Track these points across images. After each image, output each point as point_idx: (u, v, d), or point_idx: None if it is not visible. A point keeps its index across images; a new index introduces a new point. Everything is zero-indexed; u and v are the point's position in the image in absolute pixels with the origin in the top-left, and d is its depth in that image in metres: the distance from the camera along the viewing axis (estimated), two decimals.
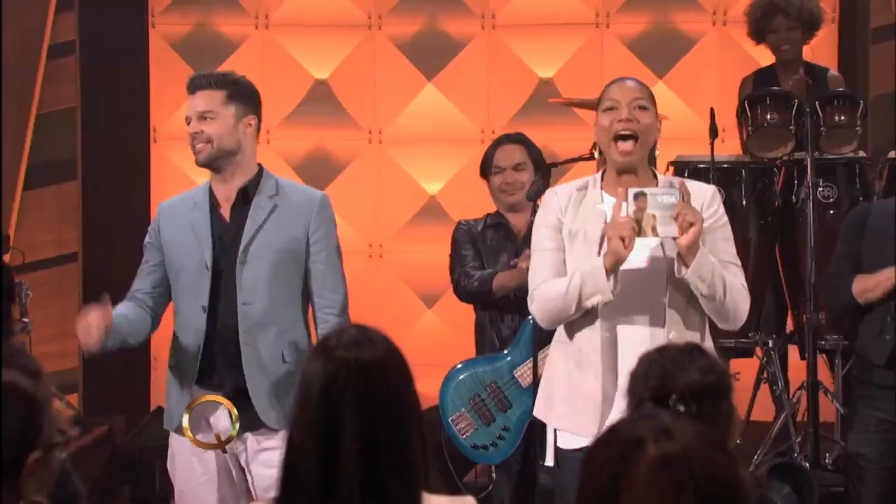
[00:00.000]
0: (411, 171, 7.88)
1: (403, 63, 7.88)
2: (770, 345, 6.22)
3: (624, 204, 3.83)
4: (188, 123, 4.44)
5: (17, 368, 2.31)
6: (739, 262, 4.06)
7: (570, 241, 4.00)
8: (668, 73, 7.74)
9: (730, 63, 7.58)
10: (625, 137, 3.97)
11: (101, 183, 7.68)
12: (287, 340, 4.34)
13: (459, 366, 5.46)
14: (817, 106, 6.09)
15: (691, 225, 3.79)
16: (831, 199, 6.15)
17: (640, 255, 3.92)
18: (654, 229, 3.82)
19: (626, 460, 1.92)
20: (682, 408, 2.75)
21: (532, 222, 5.16)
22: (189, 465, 4.33)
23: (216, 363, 4.32)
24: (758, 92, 6.37)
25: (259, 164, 4.49)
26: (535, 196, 5.28)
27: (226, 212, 4.42)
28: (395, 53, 7.89)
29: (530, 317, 5.23)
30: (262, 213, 4.38)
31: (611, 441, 1.97)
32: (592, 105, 6.12)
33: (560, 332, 4.07)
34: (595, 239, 3.96)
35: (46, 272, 7.61)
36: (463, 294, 5.50)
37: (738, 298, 3.96)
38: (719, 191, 4.18)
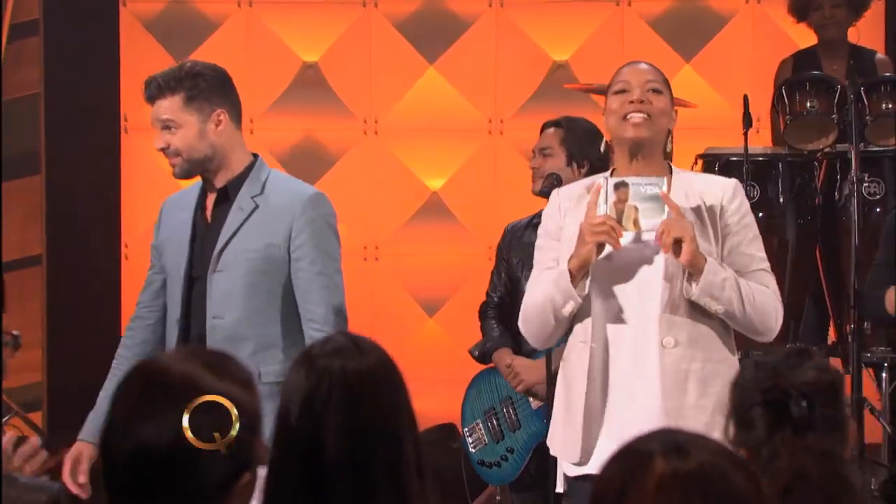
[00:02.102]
0: (410, 164, 7.87)
1: (402, 44, 7.87)
2: None
3: (602, 195, 3.85)
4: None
5: (231, 379, 2.27)
6: (768, 265, 4.04)
7: (570, 243, 3.98)
8: (696, 56, 7.73)
9: (765, 44, 7.57)
10: (635, 117, 3.99)
11: (67, 177, 7.67)
12: (267, 358, 4.25)
13: (485, 371, 5.50)
14: (862, 93, 6.09)
15: (679, 242, 3.79)
16: (877, 196, 6.15)
17: (631, 252, 3.93)
18: (635, 222, 3.84)
19: (634, 475, 1.95)
20: (804, 405, 2.73)
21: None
22: None
23: None
24: (797, 77, 6.37)
25: (254, 155, 4.42)
26: (548, 193, 5.27)
27: (210, 214, 4.39)
28: (392, 34, 7.88)
29: None
30: (241, 216, 4.31)
31: (622, 455, 2.01)
32: None
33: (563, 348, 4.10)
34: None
35: (7, 276, 7.59)
36: (480, 321, 5.60)
37: (766, 310, 3.94)
38: (752, 187, 4.17)
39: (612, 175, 4.06)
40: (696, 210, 3.97)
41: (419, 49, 7.87)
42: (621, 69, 4.15)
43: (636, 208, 3.83)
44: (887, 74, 6.43)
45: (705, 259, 3.84)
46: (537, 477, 5.37)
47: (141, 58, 7.72)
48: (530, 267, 5.43)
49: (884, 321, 4.92)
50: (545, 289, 3.96)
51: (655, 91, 4.04)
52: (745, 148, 6.02)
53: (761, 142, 6.52)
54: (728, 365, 3.96)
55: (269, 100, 7.85)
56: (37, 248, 7.73)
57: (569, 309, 3.92)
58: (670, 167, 4.08)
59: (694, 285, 3.85)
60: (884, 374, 6.09)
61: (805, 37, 6.93)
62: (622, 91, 4.05)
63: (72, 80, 7.64)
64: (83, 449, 4.40)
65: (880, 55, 6.80)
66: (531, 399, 5.39)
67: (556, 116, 5.69)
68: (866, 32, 7.11)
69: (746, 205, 4.06)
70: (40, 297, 7.67)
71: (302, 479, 2.49)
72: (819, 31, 6.66)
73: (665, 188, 3.87)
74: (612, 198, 3.85)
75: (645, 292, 3.94)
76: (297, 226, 4.30)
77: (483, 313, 5.60)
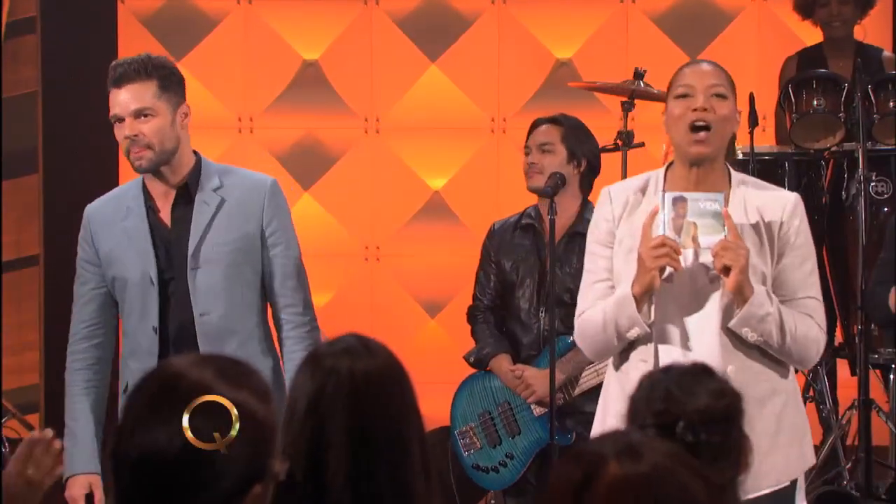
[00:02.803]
0: (412, 163, 7.87)
1: (403, 42, 7.86)
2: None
3: (660, 214, 3.79)
4: (117, 123, 4.30)
5: (248, 389, 2.25)
6: (817, 290, 3.97)
7: (626, 255, 3.93)
8: (701, 53, 7.71)
9: (771, 42, 7.56)
10: (699, 128, 3.89)
11: (65, 176, 7.66)
12: (252, 349, 4.28)
13: (478, 374, 5.49)
14: (870, 91, 6.09)
15: (728, 268, 3.74)
16: (885, 195, 6.15)
17: (689, 270, 3.86)
18: (694, 239, 3.78)
19: (587, 478, 1.95)
20: (690, 437, 2.72)
21: (552, 221, 5.19)
22: None
23: None
24: (803, 74, 6.37)
25: (195, 153, 4.38)
26: (551, 192, 5.27)
27: (165, 214, 4.33)
28: (394, 31, 7.88)
29: (570, 337, 5.26)
30: (209, 210, 4.30)
31: (576, 458, 2.00)
32: (617, 89, 6.16)
33: (612, 359, 4.03)
34: None
35: (4, 277, 7.59)
36: (470, 325, 5.58)
37: (806, 343, 3.89)
38: None
39: (665, 174, 4.01)
40: (755, 227, 3.91)
41: (421, 46, 7.86)
42: (683, 70, 4.02)
43: (695, 224, 3.78)
44: (895, 72, 6.42)
45: (752, 290, 3.78)
46: (535, 483, 5.38)
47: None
48: (525, 272, 5.44)
49: (887, 320, 4.90)
50: (608, 310, 3.88)
51: (719, 96, 3.91)
52: (752, 146, 6.01)
53: (767, 140, 6.52)
54: (784, 382, 3.93)
55: (269, 98, 7.83)
56: (34, 248, 7.72)
57: (634, 334, 3.86)
58: (730, 173, 4.00)
59: (736, 312, 3.80)
60: (891, 376, 6.10)
61: (811, 34, 6.92)
62: (685, 95, 3.93)
63: (69, 78, 7.63)
64: (85, 481, 4.33)
65: (887, 53, 6.79)
66: (533, 406, 5.38)
67: (528, 118, 5.69)
68: (873, 30, 7.10)
69: (805, 224, 3.97)
70: (37, 297, 7.66)
71: (307, 478, 2.49)
72: (825, 28, 6.65)
73: (724, 205, 3.79)
74: (671, 213, 3.79)
75: (703, 310, 3.88)
76: (268, 212, 4.33)
77: (473, 317, 5.57)
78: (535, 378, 5.32)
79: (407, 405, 2.58)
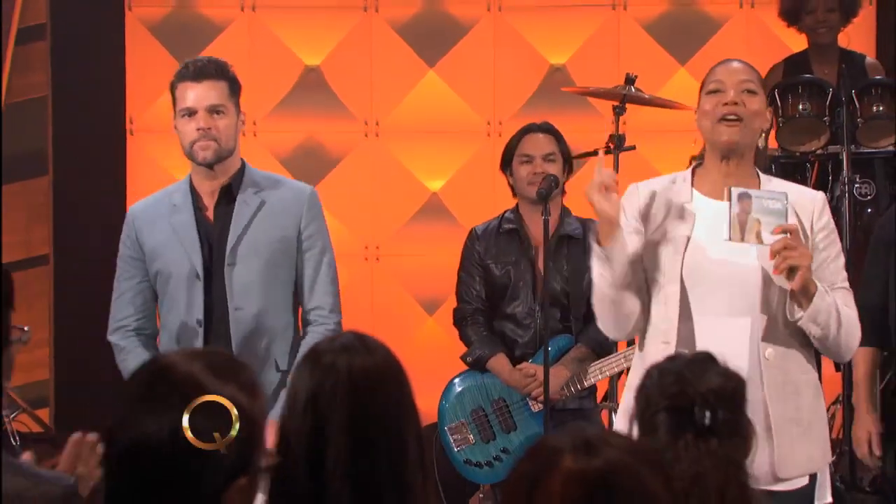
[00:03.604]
0: (411, 166, 7.87)
1: (402, 48, 7.87)
2: None
3: (597, 168, 3.83)
4: (188, 115, 4.36)
5: (236, 383, 2.26)
6: (847, 283, 3.98)
7: (654, 247, 3.92)
8: (690, 60, 7.73)
9: (758, 48, 7.56)
10: (730, 121, 3.90)
11: (74, 178, 7.67)
12: (281, 348, 4.33)
13: (467, 372, 5.50)
14: (854, 95, 6.10)
15: (794, 269, 3.72)
16: (869, 197, 6.15)
17: (728, 262, 3.85)
18: (758, 235, 3.76)
19: (542, 472, 1.93)
20: (707, 416, 2.73)
21: (546, 221, 5.21)
22: None
23: None
24: (789, 80, 6.37)
25: (241, 159, 4.47)
26: (545, 195, 5.28)
27: (210, 212, 4.40)
28: (393, 38, 7.88)
29: (566, 335, 5.28)
30: (249, 210, 4.37)
31: (533, 452, 1.99)
32: (608, 94, 6.17)
33: (638, 345, 4.02)
34: (681, 243, 3.89)
35: (14, 276, 7.59)
36: (458, 329, 5.58)
37: (852, 332, 3.90)
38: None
39: (693, 172, 4.00)
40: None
41: (419, 53, 7.87)
42: (715, 68, 4.03)
43: (759, 221, 3.76)
44: (878, 77, 6.44)
45: (816, 286, 3.78)
46: None
47: (146, 61, 7.73)
48: (518, 275, 5.45)
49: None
50: (595, 268, 3.88)
51: (749, 92, 3.93)
52: None
53: None
54: (815, 374, 3.94)
55: (272, 103, 7.84)
56: (44, 248, 7.73)
57: (608, 275, 3.82)
58: (757, 172, 3.99)
59: (799, 310, 3.78)
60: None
61: (797, 41, 6.93)
62: (716, 91, 3.94)
63: (78, 83, 7.64)
64: None
65: (870, 59, 6.80)
66: (531, 403, 5.40)
67: (549, 120, 5.69)
68: (856, 37, 7.11)
69: (832, 220, 3.99)
70: (47, 296, 7.66)
71: (306, 473, 2.48)
72: (811, 35, 6.66)
73: (788, 206, 3.78)
74: (736, 208, 3.77)
75: (738, 302, 3.86)
76: (307, 217, 4.42)
77: (461, 320, 5.57)
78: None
79: (404, 402, 2.58)
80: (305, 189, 4.49)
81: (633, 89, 6.04)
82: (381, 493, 2.50)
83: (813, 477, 3.96)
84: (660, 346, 3.88)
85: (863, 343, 4.69)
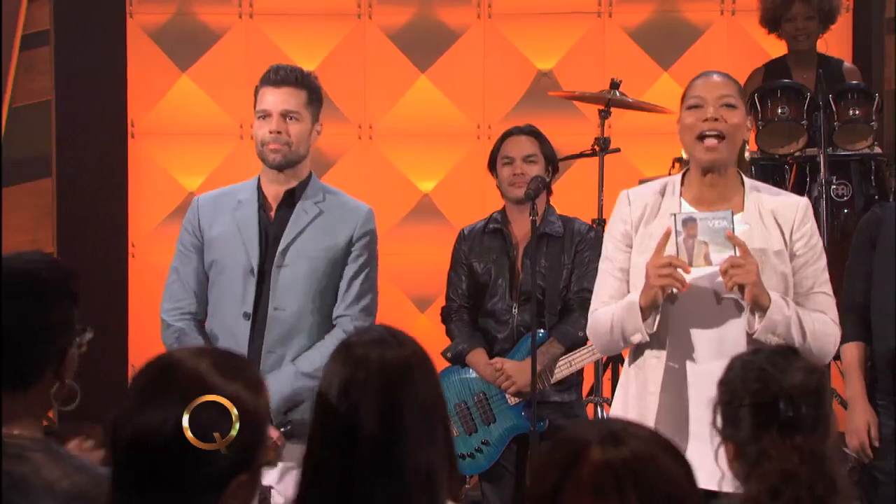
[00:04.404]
0: (403, 167, 7.89)
1: (395, 54, 7.88)
2: None
3: (672, 234, 3.76)
4: (263, 118, 4.41)
5: (241, 382, 2.26)
6: (829, 287, 3.96)
7: (641, 253, 3.91)
8: (673, 65, 7.75)
9: (739, 54, 7.59)
10: (710, 138, 3.86)
11: (77, 180, 7.68)
12: (310, 349, 4.37)
13: (452, 368, 5.53)
14: (831, 100, 6.11)
15: (740, 285, 3.70)
16: (845, 198, 6.16)
17: (704, 281, 3.82)
18: (706, 257, 3.75)
19: (570, 463, 1.93)
20: (790, 412, 2.71)
21: (534, 222, 5.23)
22: None
23: None
24: (768, 84, 6.38)
25: (310, 170, 4.54)
26: (533, 195, 5.30)
27: (273, 213, 4.45)
28: (386, 44, 7.90)
29: (541, 331, 5.30)
30: (306, 217, 4.43)
31: (560, 444, 1.98)
32: (594, 98, 6.20)
33: (630, 352, 4.01)
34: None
35: None
36: (444, 325, 5.61)
37: (825, 339, 3.88)
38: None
39: (683, 180, 3.98)
40: (770, 230, 3.89)
41: (411, 58, 7.88)
42: (695, 81, 3.98)
43: (706, 244, 3.74)
44: (854, 82, 6.46)
45: (769, 298, 3.74)
46: (510, 468, 5.43)
47: (147, 67, 7.74)
48: (498, 272, 5.47)
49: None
50: (616, 314, 3.87)
51: (729, 106, 3.88)
52: None
53: None
54: None
55: None
56: (48, 248, 7.73)
57: (637, 339, 3.84)
58: (742, 180, 3.96)
59: (756, 321, 3.76)
60: None
61: (776, 47, 6.95)
62: (696, 106, 3.89)
63: (81, 88, 7.65)
64: None
65: (847, 64, 6.82)
66: (508, 396, 5.43)
67: (536, 123, 5.71)
68: (834, 43, 7.14)
69: (815, 225, 3.95)
70: None
71: (339, 461, 2.48)
72: (790, 41, 6.67)
73: (732, 223, 3.75)
74: (682, 234, 3.75)
75: (722, 317, 3.84)
76: (358, 234, 4.49)
77: (447, 317, 5.60)
78: (514, 370, 5.37)
79: (433, 393, 2.58)
80: (363, 207, 4.58)
81: (617, 94, 6.07)
82: (408, 481, 2.50)
83: None
84: (653, 359, 3.89)
85: (851, 338, 4.73)
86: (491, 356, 5.44)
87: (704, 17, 7.85)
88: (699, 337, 3.86)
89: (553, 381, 5.38)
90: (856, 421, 4.76)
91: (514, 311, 5.43)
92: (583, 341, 5.37)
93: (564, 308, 5.44)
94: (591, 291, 4.12)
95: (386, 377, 2.53)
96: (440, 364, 5.64)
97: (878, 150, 6.28)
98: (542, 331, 5.38)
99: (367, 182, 7.89)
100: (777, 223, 3.89)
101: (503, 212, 5.60)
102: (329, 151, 7.91)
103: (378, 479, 2.47)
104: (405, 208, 7.86)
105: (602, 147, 5.94)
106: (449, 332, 5.57)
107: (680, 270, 3.76)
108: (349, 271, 4.45)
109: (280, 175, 4.45)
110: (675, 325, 3.87)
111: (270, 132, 4.40)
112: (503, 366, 5.36)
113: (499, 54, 7.86)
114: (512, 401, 5.41)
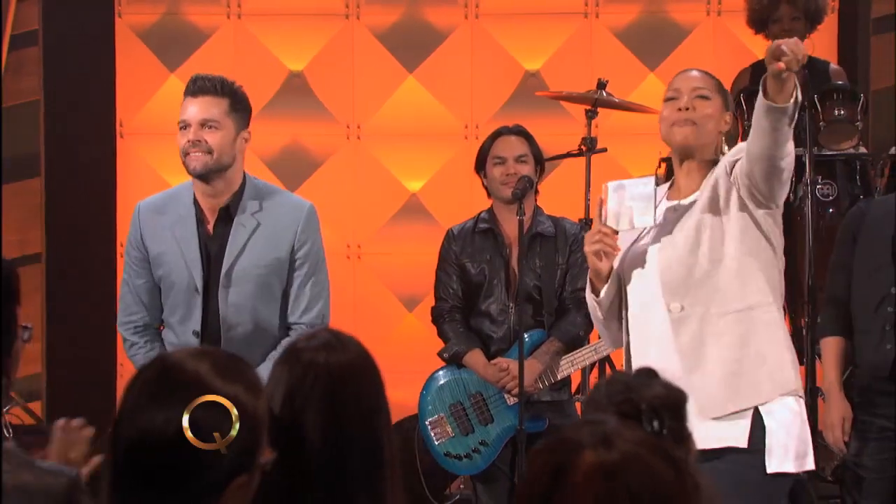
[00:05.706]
0: (391, 167, 7.87)
1: (383, 54, 7.87)
2: None
3: (601, 206, 3.94)
4: (183, 128, 4.39)
5: (241, 383, 2.25)
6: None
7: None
8: (659, 65, 7.74)
9: (725, 55, 7.58)
10: (682, 124, 4.04)
11: (66, 180, 7.66)
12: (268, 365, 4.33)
13: (446, 368, 5.50)
14: (816, 100, 6.11)
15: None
16: (830, 197, 6.16)
17: (635, 244, 4.04)
18: (631, 221, 3.91)
19: (564, 466, 1.93)
20: (654, 421, 2.75)
21: (521, 220, 5.22)
22: None
23: None
24: (755, 85, 6.35)
25: (244, 175, 4.47)
26: (520, 195, 5.29)
27: (211, 226, 4.41)
28: (374, 44, 7.88)
29: (539, 330, 5.29)
30: (245, 233, 4.37)
31: (553, 445, 1.99)
32: (581, 99, 6.18)
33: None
34: (628, 246, 4.05)
35: None
36: (436, 326, 5.58)
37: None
38: None
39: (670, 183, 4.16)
40: (714, 196, 4.00)
41: (399, 58, 7.87)
42: (674, 77, 4.18)
43: (632, 207, 3.91)
44: (838, 83, 6.45)
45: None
46: (504, 470, 5.41)
47: (135, 67, 7.72)
48: (492, 272, 5.47)
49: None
50: (588, 293, 4.11)
51: (702, 97, 4.07)
52: None
53: None
54: (753, 313, 4.09)
55: (257, 107, 7.75)
56: (37, 247, 7.72)
57: (599, 313, 4.06)
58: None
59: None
60: None
61: (763, 48, 6.92)
62: (672, 99, 4.09)
63: (70, 88, 7.63)
64: None
65: (833, 65, 6.81)
66: (506, 396, 5.41)
67: (524, 123, 5.70)
68: (820, 44, 7.13)
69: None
70: (40, 293, 7.65)
71: (282, 468, 2.46)
72: None
73: (654, 185, 3.92)
74: (613, 200, 3.92)
75: (649, 279, 4.01)
76: (301, 238, 4.41)
77: (439, 318, 5.57)
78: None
79: (378, 397, 2.57)
80: (303, 207, 4.48)
81: (604, 94, 6.05)
82: (355, 488, 2.48)
83: (757, 439, 3.95)
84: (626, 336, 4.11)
85: (831, 333, 4.75)
86: (486, 357, 5.42)
87: (691, 17, 7.85)
88: (643, 309, 4.02)
89: (556, 380, 5.37)
90: (832, 415, 4.77)
91: (511, 311, 5.41)
92: (583, 340, 5.37)
93: (560, 308, 5.43)
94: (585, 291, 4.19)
95: (332, 382, 2.53)
96: (434, 364, 5.62)
97: (863, 150, 6.28)
98: (540, 330, 5.37)
99: (354, 182, 7.88)
100: (719, 183, 4.01)
101: (491, 211, 5.58)
102: (317, 151, 7.89)
103: (322, 487, 2.47)
104: (393, 208, 7.85)
105: (589, 147, 5.92)
106: (442, 333, 5.53)
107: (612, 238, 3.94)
108: (297, 278, 4.41)
109: (208, 187, 4.39)
110: (630, 304, 4.05)
111: (188, 141, 4.36)
112: (509, 366, 5.32)
113: (486, 55, 7.85)
114: (511, 401, 5.39)
